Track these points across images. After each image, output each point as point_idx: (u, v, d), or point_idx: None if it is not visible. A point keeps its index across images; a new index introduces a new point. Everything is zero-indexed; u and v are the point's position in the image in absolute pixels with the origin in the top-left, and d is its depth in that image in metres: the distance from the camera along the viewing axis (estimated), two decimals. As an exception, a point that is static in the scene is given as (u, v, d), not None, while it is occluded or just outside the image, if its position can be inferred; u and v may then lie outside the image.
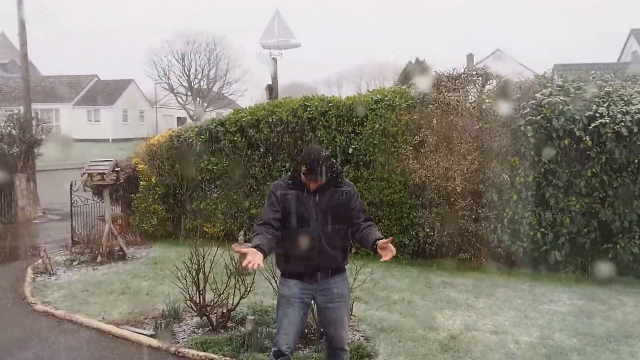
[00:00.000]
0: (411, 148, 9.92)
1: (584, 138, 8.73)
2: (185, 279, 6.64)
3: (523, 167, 9.08)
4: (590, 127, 8.74)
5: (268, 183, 10.79)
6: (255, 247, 4.15)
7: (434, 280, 8.75)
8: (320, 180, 4.43)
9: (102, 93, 55.72)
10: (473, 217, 9.54)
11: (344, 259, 4.68)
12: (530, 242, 9.06)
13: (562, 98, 8.94)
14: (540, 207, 9.08)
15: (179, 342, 6.46)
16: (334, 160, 4.55)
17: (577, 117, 8.79)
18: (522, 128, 9.03)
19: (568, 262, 9.04)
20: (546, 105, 8.93)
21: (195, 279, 6.68)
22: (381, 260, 4.21)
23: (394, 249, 4.19)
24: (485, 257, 9.49)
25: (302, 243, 4.44)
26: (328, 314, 4.62)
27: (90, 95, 55.76)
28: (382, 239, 4.34)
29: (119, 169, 10.87)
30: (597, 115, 8.74)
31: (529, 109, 9.04)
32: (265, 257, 4.15)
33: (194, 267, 6.68)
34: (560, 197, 8.95)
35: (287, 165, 10.87)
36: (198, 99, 59.11)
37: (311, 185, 4.46)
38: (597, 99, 8.97)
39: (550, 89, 9.18)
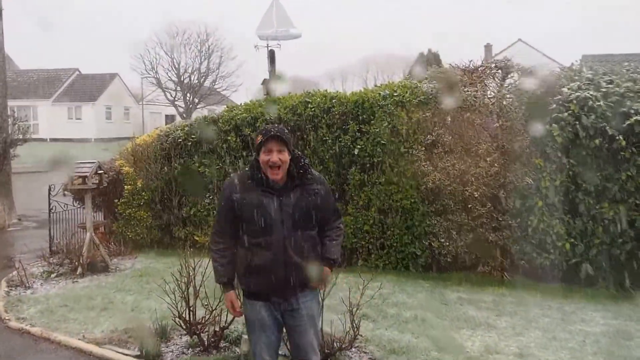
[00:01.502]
0: (423, 149, 9.86)
1: (617, 137, 8.59)
2: (174, 294, 6.53)
3: (549, 170, 8.95)
4: (624, 125, 8.61)
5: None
6: (224, 284, 4.42)
7: (449, 296, 8.62)
8: (283, 150, 4.17)
9: (83, 88, 55.77)
10: (493, 225, 9.43)
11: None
12: (558, 254, 8.93)
13: (592, 93, 8.82)
14: (569, 215, 8.95)
15: (166, 365, 6.34)
16: (300, 154, 4.37)
17: (609, 114, 8.66)
18: (548, 126, 8.91)
19: (601, 277, 8.88)
20: (574, 101, 8.80)
21: (185, 293, 6.58)
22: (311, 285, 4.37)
23: (327, 283, 4.59)
24: (508, 270, 9.38)
25: (264, 254, 4.18)
26: (297, 338, 4.43)
27: (71, 91, 55.88)
28: (334, 260, 4.42)
29: (102, 171, 10.76)
30: (632, 111, 8.61)
31: (555, 105, 8.92)
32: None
33: (183, 281, 6.58)
34: (591, 203, 8.82)
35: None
36: (188, 94, 59.21)
37: (274, 171, 4.17)
38: (631, 94, 8.84)
39: (578, 83, 9.06)
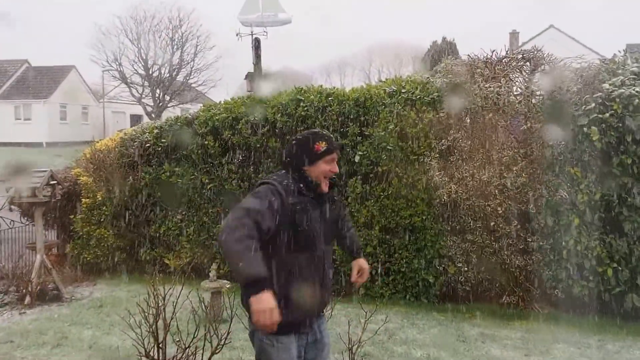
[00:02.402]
0: (437, 156, 9.86)
1: (669, 143, 8.62)
2: (140, 328, 6.46)
3: (587, 182, 8.94)
4: (678, 129, 8.63)
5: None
6: (260, 280, 3.77)
7: (468, 332, 8.60)
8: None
9: (34, 84, 55.68)
10: (521, 247, 9.44)
11: None
12: (598, 282, 8.92)
13: (638, 89, 8.83)
14: (612, 235, 8.95)
15: (130, 414, 6.29)
16: None
17: (660, 115, 8.68)
18: (586, 129, 8.90)
19: (650, 309, 8.90)
20: (617, 99, 8.81)
21: (153, 327, 6.51)
22: (353, 282, 4.80)
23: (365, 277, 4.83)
24: (538, 301, 9.38)
25: (307, 273, 4.17)
26: None
27: (19, 87, 55.75)
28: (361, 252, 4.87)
29: (55, 181, 10.70)
30: (686, 112, 8.62)
31: (594, 104, 8.92)
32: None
33: (151, 312, 6.51)
34: (638, 221, 8.83)
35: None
36: (158, 90, 59.18)
37: (325, 182, 4.31)
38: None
39: (622, 78, 9.08)
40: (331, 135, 4.46)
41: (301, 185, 4.20)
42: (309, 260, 4.18)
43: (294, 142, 4.39)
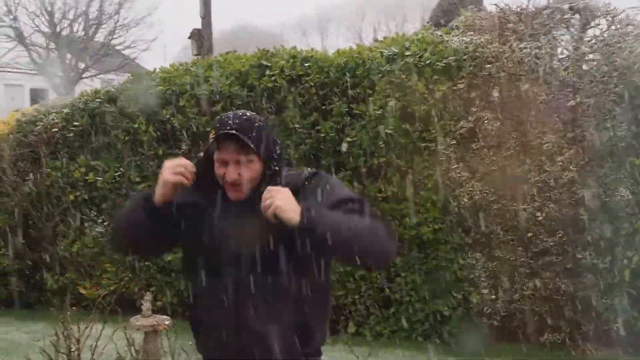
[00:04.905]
0: (454, 142, 9.86)
1: None
2: (45, 383, 6.51)
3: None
4: None
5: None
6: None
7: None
8: (251, 159, 3.76)
9: None
10: (568, 266, 9.43)
11: (309, 343, 3.93)
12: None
13: None
14: (694, 249, 9.02)
15: None
16: (273, 136, 3.96)
17: None
18: (657, 106, 8.98)
19: None
20: None
21: (64, 381, 6.56)
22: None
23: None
24: (591, 339, 9.37)
25: (208, 308, 3.89)
26: None
27: None
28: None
29: None
30: None
31: (669, 72, 8.99)
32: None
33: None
34: None
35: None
36: (69, 55, 58.74)
37: (229, 189, 3.82)
38: None
39: None
40: (226, 119, 3.81)
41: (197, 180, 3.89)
42: (211, 288, 3.87)
43: None
